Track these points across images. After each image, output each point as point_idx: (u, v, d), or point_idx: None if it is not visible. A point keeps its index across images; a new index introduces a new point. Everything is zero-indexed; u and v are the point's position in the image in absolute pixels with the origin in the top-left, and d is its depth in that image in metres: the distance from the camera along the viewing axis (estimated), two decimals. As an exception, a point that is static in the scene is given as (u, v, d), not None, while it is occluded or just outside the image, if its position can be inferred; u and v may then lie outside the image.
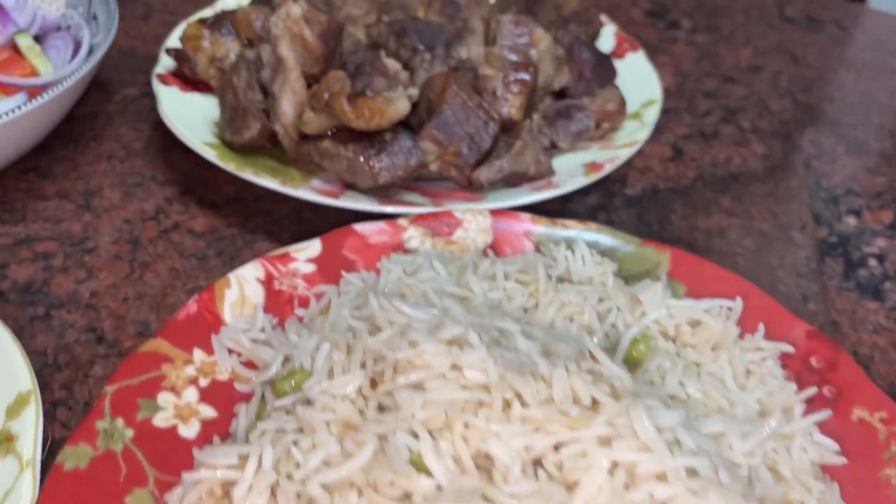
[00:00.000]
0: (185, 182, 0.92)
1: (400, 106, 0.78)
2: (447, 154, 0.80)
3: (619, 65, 1.05)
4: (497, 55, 0.88)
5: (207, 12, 1.09)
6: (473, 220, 0.77)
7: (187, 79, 0.96)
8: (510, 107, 0.86)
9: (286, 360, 0.57)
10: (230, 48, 0.93)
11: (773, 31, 1.33)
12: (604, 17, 1.13)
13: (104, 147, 0.97)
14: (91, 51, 0.96)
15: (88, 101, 1.04)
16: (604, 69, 0.98)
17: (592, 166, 0.87)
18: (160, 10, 1.27)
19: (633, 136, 0.91)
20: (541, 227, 0.77)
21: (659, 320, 0.63)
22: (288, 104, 0.83)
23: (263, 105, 0.87)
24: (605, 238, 0.75)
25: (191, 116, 0.90)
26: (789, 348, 0.62)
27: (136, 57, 1.14)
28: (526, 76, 0.87)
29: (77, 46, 0.97)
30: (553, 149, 0.91)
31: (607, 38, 1.11)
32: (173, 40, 0.99)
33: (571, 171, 0.87)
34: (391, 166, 0.79)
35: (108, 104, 1.04)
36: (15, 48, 0.94)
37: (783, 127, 1.09)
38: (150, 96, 1.05)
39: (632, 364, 0.59)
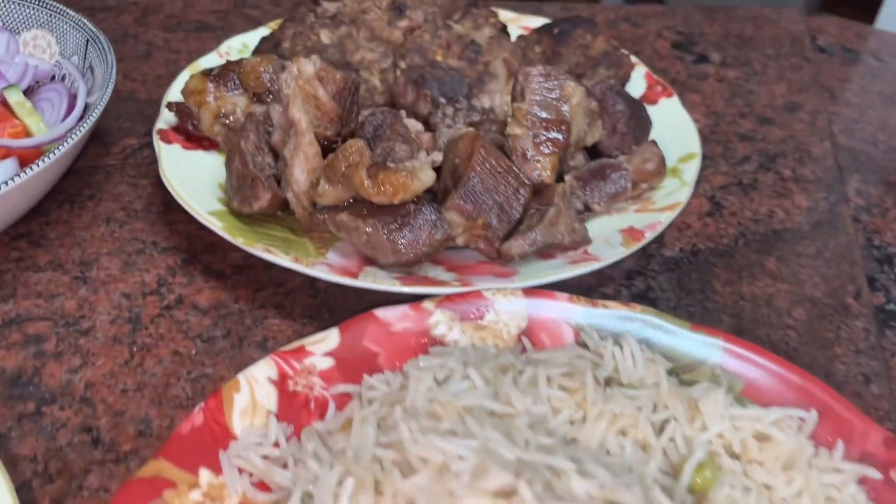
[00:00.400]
0: (189, 248, 0.85)
1: (424, 178, 0.71)
2: (475, 227, 0.73)
3: (651, 111, 0.98)
4: (526, 112, 0.81)
5: (212, 58, 1.02)
6: (505, 302, 0.70)
7: (190, 135, 0.89)
8: (542, 170, 0.79)
9: (305, 496, 0.51)
10: (237, 103, 0.86)
11: (806, 64, 1.26)
12: (633, 58, 1.07)
13: (102, 208, 0.90)
14: (87, 108, 0.89)
15: (85, 155, 0.97)
16: (639, 121, 0.91)
17: (631, 233, 0.80)
18: (162, 49, 1.20)
19: (673, 196, 0.84)
20: (580, 309, 0.70)
21: (722, 433, 0.56)
22: (301, 171, 0.76)
23: (274, 170, 0.80)
24: (652, 321, 0.69)
25: (195, 178, 0.83)
26: (875, 474, 0.55)
27: (136, 101, 1.08)
28: (558, 136, 0.80)
29: (72, 100, 0.90)
30: (586, 211, 0.84)
31: (637, 81, 1.04)
32: (175, 92, 0.93)
33: (607, 237, 0.80)
34: (414, 242, 0.72)
35: (105, 157, 0.97)
36: (4, 103, 0.87)
37: (826, 174, 1.02)
38: (151, 147, 0.98)
39: (697, 493, 0.52)
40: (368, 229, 0.72)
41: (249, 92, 0.86)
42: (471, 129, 0.79)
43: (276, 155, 0.81)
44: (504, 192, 0.75)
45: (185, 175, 0.83)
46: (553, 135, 0.80)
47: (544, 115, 0.81)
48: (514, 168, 0.77)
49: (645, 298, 0.83)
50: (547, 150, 0.80)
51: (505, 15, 1.16)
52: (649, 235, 0.79)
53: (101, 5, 1.29)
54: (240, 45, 1.05)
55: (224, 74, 0.87)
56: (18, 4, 0.98)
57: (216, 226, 0.76)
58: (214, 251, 0.85)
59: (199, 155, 0.87)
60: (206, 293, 0.81)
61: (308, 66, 0.77)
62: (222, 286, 0.81)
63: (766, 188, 1.00)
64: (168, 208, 0.90)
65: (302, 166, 0.76)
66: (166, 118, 0.90)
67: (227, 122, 0.86)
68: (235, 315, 0.79)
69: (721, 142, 1.07)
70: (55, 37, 0.95)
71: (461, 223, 0.74)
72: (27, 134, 0.85)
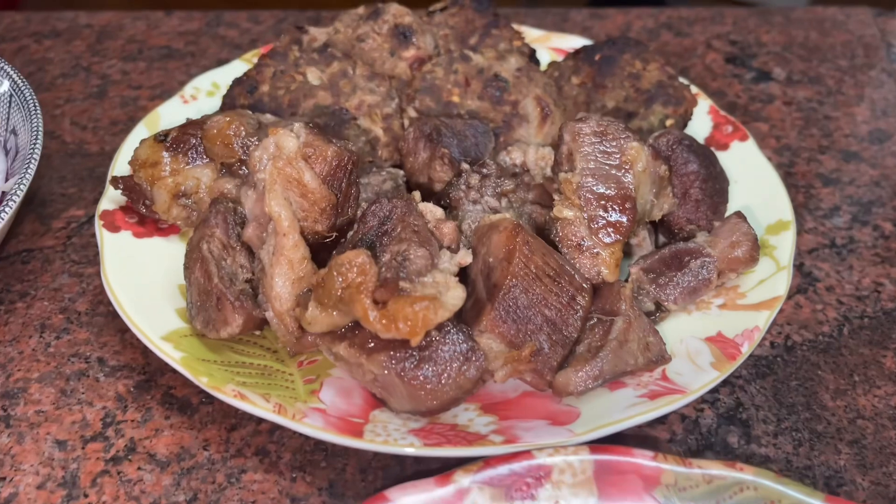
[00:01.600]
0: (144, 367, 0.66)
1: (451, 302, 0.51)
2: (521, 357, 0.54)
3: (722, 158, 0.78)
4: (578, 186, 0.62)
5: (174, 105, 0.82)
6: (567, 468, 0.51)
7: (143, 216, 0.70)
8: (602, 265, 0.60)
9: None
10: (200, 178, 0.67)
11: (888, 79, 1.05)
12: (693, 87, 0.87)
13: (35, 310, 0.71)
14: (7, 187, 0.69)
15: (16, 234, 0.78)
16: (715, 181, 0.72)
17: (721, 344, 0.61)
18: (119, 83, 1.00)
19: (768, 286, 0.65)
20: (669, 470, 0.51)
21: None
22: (283, 283, 0.56)
23: (248, 273, 0.61)
24: (771, 488, 0.50)
25: (149, 280, 0.64)
26: None
27: (84, 157, 0.88)
28: (621, 218, 0.61)
29: (-8, 173, 0.71)
30: (658, 312, 0.64)
31: (700, 117, 0.84)
32: (122, 163, 0.73)
33: (690, 350, 0.61)
34: (438, 383, 0.52)
35: (44, 236, 0.78)
36: None
37: (936, 228, 0.83)
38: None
39: None
40: (376, 369, 0.53)
41: (216, 162, 0.67)
42: (505, 216, 0.59)
43: (252, 251, 0.62)
44: (556, 304, 0.56)
45: (136, 276, 0.64)
46: (614, 216, 0.61)
47: (601, 189, 0.62)
48: (567, 267, 0.58)
49: (736, 421, 0.64)
50: (608, 239, 0.60)
51: (531, 34, 0.96)
52: (746, 349, 0.60)
53: (49, 29, 1.09)
54: (209, 86, 0.86)
55: (182, 140, 0.67)
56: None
57: (171, 358, 0.57)
58: (175, 371, 0.66)
59: (156, 244, 0.68)
60: (166, 436, 0.62)
61: (289, 140, 0.57)
62: (187, 423, 0.62)
63: (866, 250, 0.80)
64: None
65: (285, 277, 0.56)
66: (112, 195, 0.71)
67: (189, 202, 0.67)
68: (204, 468, 0.60)
69: (801, 187, 0.87)
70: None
71: (502, 352, 0.55)
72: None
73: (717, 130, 0.83)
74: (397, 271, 0.53)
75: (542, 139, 0.80)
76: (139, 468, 0.60)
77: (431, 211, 0.60)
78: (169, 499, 0.58)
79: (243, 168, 0.66)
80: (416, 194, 0.61)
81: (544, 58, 0.93)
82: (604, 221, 0.61)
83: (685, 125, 0.82)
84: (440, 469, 0.56)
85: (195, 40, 1.09)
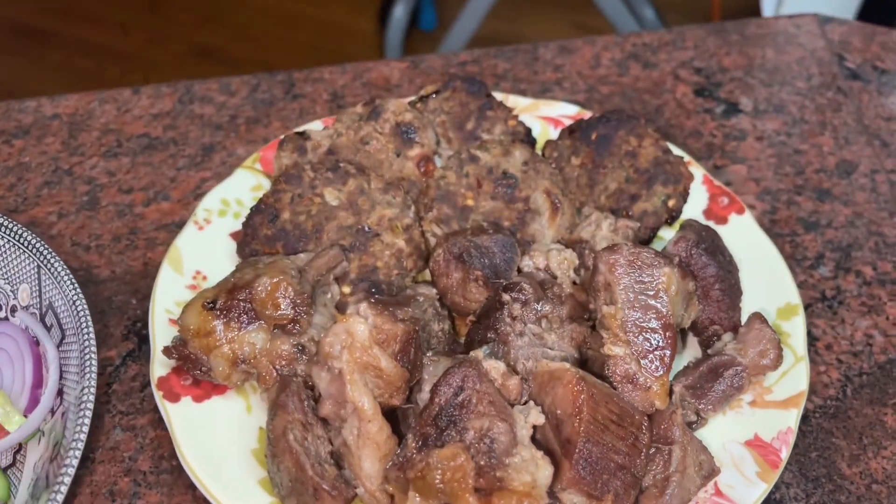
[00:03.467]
0: (224, 524, 0.69)
1: (542, 481, 0.56)
2: (602, 510, 0.60)
3: (722, 232, 0.83)
4: (621, 322, 0.66)
5: (190, 235, 0.82)
6: None
7: (196, 378, 0.71)
8: (654, 398, 0.66)
9: None
10: (255, 343, 0.69)
11: (844, 100, 1.12)
12: (685, 157, 0.91)
13: (99, 476, 0.72)
14: (62, 374, 0.69)
15: (57, 387, 0.78)
16: (728, 273, 0.77)
17: (761, 450, 0.68)
18: (109, 188, 0.98)
19: (790, 380, 0.72)
20: None
21: None
22: (372, 464, 0.60)
23: (329, 446, 0.64)
24: None
25: (222, 449, 0.67)
26: None
27: (97, 284, 0.87)
28: (666, 349, 0.66)
29: (33, 347, 0.71)
30: (697, 419, 0.71)
31: (696, 188, 0.89)
32: (159, 312, 0.74)
33: (734, 458, 0.68)
34: (535, 549, 0.58)
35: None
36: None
37: (911, 267, 0.92)
38: (136, 359, 0.80)
39: None
40: (479, 544, 0.58)
41: (268, 323, 0.69)
42: (565, 366, 0.64)
43: (327, 422, 0.65)
44: (623, 449, 0.62)
45: (209, 447, 0.67)
46: (658, 343, 0.66)
47: (643, 321, 0.67)
48: (626, 407, 0.63)
49: (773, 502, 0.72)
50: (658, 371, 0.66)
51: (518, 102, 0.98)
52: (785, 455, 0.67)
53: (14, 126, 1.05)
54: (219, 205, 0.86)
55: (232, 306, 0.68)
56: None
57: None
58: (258, 524, 0.69)
59: (219, 407, 0.70)
60: None
61: (360, 327, 0.60)
62: (281, 581, 0.66)
63: (853, 299, 0.88)
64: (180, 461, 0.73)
65: (373, 458, 0.60)
66: (162, 359, 0.72)
67: (247, 367, 0.69)
68: None
69: (786, 237, 0.94)
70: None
71: (584, 506, 0.60)
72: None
73: (714, 203, 0.88)
74: (489, 457, 0.57)
75: (554, 231, 0.84)
76: None
77: (495, 367, 0.64)
78: None
79: (296, 326, 0.69)
80: (479, 355, 0.65)
81: (535, 127, 0.96)
82: (648, 350, 0.66)
83: (685, 200, 0.87)
84: None
85: (172, 124, 1.06)
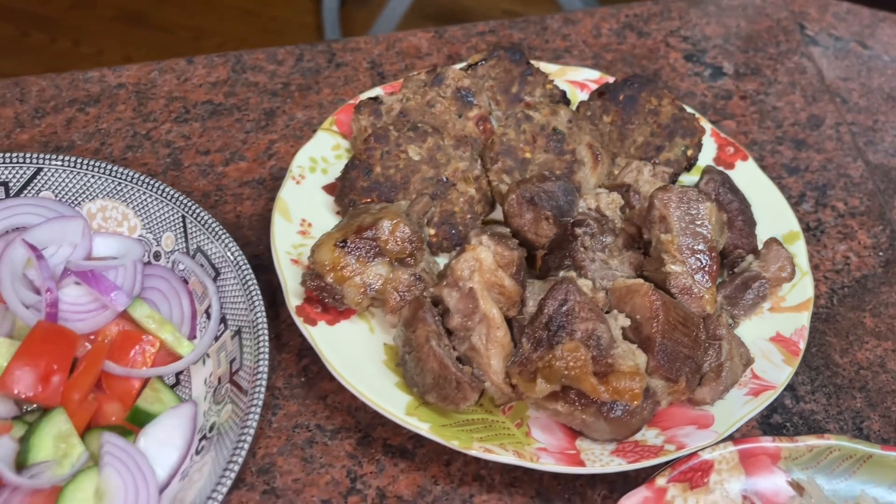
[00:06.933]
0: (356, 425, 0.84)
1: (643, 364, 0.73)
2: (679, 389, 0.77)
3: (732, 176, 1.01)
4: (678, 246, 0.83)
5: (289, 190, 0.94)
6: (722, 459, 0.76)
7: (325, 305, 0.85)
8: (706, 304, 0.83)
9: None
10: (381, 273, 0.83)
11: (808, 63, 1.32)
12: (695, 113, 1.08)
13: (241, 392, 0.85)
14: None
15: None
16: (747, 210, 0.95)
17: (783, 343, 0.86)
18: (186, 150, 1.09)
19: (799, 290, 0.91)
20: (784, 447, 0.77)
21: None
22: (498, 362, 0.76)
23: (454, 352, 0.79)
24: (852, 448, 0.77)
25: (357, 362, 0.81)
26: None
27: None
28: (712, 263, 0.84)
29: (189, 294, 0.82)
30: (731, 324, 0.89)
31: (706, 140, 1.07)
32: (288, 269, 0.85)
33: (762, 350, 0.86)
34: (631, 421, 0.75)
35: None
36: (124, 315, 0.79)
37: (872, 202, 1.12)
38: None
39: None
40: (589, 417, 0.74)
41: (390, 258, 0.83)
42: (639, 281, 0.81)
43: (449, 332, 0.80)
44: (688, 342, 0.79)
45: (350, 361, 0.80)
46: (706, 263, 0.83)
47: (692, 243, 0.84)
48: (690, 314, 0.80)
49: (787, 387, 0.90)
50: (708, 284, 0.83)
51: (548, 68, 1.13)
52: (803, 345, 0.86)
53: (84, 95, 1.14)
54: (308, 162, 0.98)
55: (359, 244, 0.82)
56: (71, 172, 0.86)
57: (421, 429, 0.76)
58: (384, 423, 0.84)
59: (348, 329, 0.84)
60: (402, 479, 0.81)
61: (486, 254, 0.75)
62: (412, 466, 0.81)
63: (831, 229, 1.08)
64: (307, 376, 0.87)
65: (499, 357, 0.76)
66: (294, 290, 0.85)
67: (375, 294, 0.83)
68: (442, 499, 0.80)
69: (774, 180, 1.13)
70: (131, 208, 0.85)
71: (664, 387, 0.77)
72: (167, 351, 0.78)
73: (722, 151, 1.06)
74: (598, 350, 0.73)
75: (596, 178, 1.00)
76: (396, 509, 0.79)
77: (585, 284, 0.80)
78: (430, 528, 0.78)
79: (412, 259, 0.83)
80: (572, 275, 0.81)
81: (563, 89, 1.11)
82: (699, 268, 0.83)
83: (700, 150, 1.04)
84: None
85: (231, 91, 1.17)
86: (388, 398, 0.78)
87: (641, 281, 0.80)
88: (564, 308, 0.77)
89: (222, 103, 1.16)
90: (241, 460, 0.67)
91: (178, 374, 0.80)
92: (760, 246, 0.93)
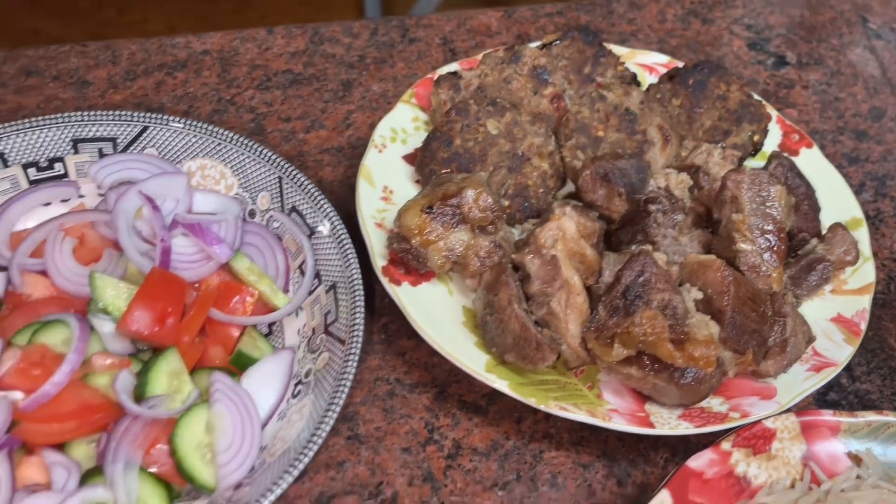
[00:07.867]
0: (432, 380, 0.89)
1: (716, 333, 0.77)
2: (746, 361, 0.81)
3: (797, 162, 1.04)
4: (749, 226, 0.87)
5: (372, 157, 0.99)
6: (784, 429, 0.80)
7: (407, 266, 0.89)
8: (773, 283, 0.87)
9: None
10: (463, 239, 0.87)
11: (870, 56, 1.34)
12: (763, 101, 1.11)
13: (325, 346, 0.91)
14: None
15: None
16: (813, 195, 0.98)
17: (844, 323, 0.90)
18: (269, 116, 1.14)
19: (861, 274, 0.94)
20: (844, 421, 0.80)
21: None
22: (575, 326, 0.80)
23: (533, 316, 0.83)
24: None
25: (441, 323, 0.86)
26: None
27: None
28: (780, 244, 0.87)
29: (284, 251, 0.87)
30: (794, 303, 0.92)
31: (772, 126, 1.10)
32: (373, 232, 0.90)
33: (824, 330, 0.90)
34: (700, 387, 0.79)
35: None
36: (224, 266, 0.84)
37: (931, 193, 1.14)
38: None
39: None
40: (661, 382, 0.78)
41: (472, 225, 0.87)
42: (711, 257, 0.84)
43: (527, 297, 0.84)
44: (756, 318, 0.83)
45: (430, 320, 0.85)
46: (775, 243, 0.87)
47: (762, 224, 0.88)
48: (759, 291, 0.84)
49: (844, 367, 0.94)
50: (775, 263, 0.87)
51: (618, 51, 1.17)
52: (864, 326, 0.89)
53: (172, 60, 1.19)
54: (389, 132, 1.03)
55: (444, 211, 0.86)
56: (174, 131, 0.91)
57: (500, 386, 0.80)
58: (459, 380, 0.89)
59: (429, 291, 0.89)
60: (476, 433, 0.86)
61: (570, 223, 0.79)
62: (486, 421, 0.86)
63: (889, 218, 1.11)
64: (387, 334, 0.92)
65: (577, 322, 0.80)
66: (380, 251, 0.90)
67: (455, 258, 0.87)
68: (514, 453, 0.84)
69: (836, 169, 1.16)
70: (229, 167, 0.90)
71: (732, 358, 0.81)
72: (262, 302, 0.83)
73: (787, 138, 1.09)
74: (674, 318, 0.77)
75: (664, 159, 1.03)
76: (470, 460, 0.84)
77: (660, 257, 0.84)
78: (503, 478, 0.83)
79: (492, 227, 0.87)
80: (649, 249, 0.85)
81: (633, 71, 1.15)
82: (767, 247, 0.87)
83: (766, 136, 1.07)
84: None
85: (310, 61, 1.22)
86: (470, 356, 0.83)
87: (714, 257, 0.84)
88: (641, 279, 0.81)
89: (301, 73, 1.20)
90: (341, 402, 0.73)
91: (270, 325, 0.85)
92: (823, 231, 0.97)
